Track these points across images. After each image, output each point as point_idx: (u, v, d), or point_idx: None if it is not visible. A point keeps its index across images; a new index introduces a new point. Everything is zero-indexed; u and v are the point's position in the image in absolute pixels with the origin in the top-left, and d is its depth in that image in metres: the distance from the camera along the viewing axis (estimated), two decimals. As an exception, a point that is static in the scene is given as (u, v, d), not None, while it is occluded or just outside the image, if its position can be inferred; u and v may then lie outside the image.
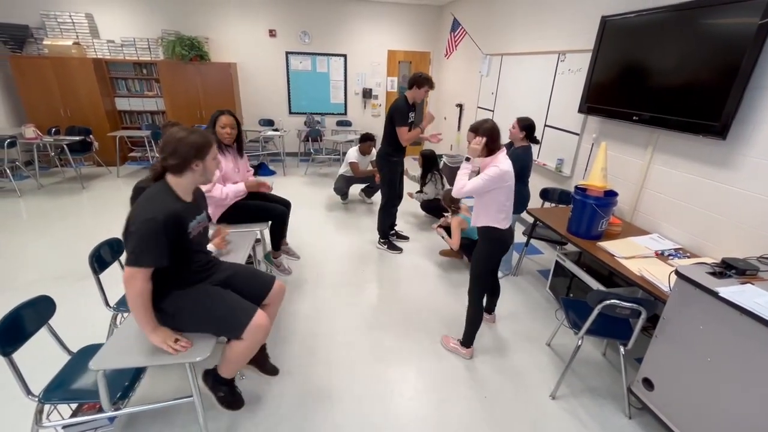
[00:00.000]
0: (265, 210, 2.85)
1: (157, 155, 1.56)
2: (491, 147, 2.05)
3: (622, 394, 2.09)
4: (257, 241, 2.92)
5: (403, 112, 3.17)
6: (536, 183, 4.08)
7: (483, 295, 2.29)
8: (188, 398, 1.60)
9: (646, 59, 2.64)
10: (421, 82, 3.12)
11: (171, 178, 1.54)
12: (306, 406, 1.99)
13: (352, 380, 2.18)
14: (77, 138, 5.28)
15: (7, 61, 5.36)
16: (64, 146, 5.10)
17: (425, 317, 2.77)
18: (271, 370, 2.07)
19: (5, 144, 4.63)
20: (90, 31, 5.73)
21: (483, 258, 2.23)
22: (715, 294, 1.52)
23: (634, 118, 2.70)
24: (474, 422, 1.95)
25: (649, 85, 2.62)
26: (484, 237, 2.20)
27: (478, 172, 2.12)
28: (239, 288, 1.74)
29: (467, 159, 2.17)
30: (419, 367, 2.30)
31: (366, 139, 4.79)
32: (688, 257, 2.29)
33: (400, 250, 3.74)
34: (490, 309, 2.72)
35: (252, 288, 1.80)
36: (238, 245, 2.36)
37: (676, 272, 1.70)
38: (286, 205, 3.06)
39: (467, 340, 2.35)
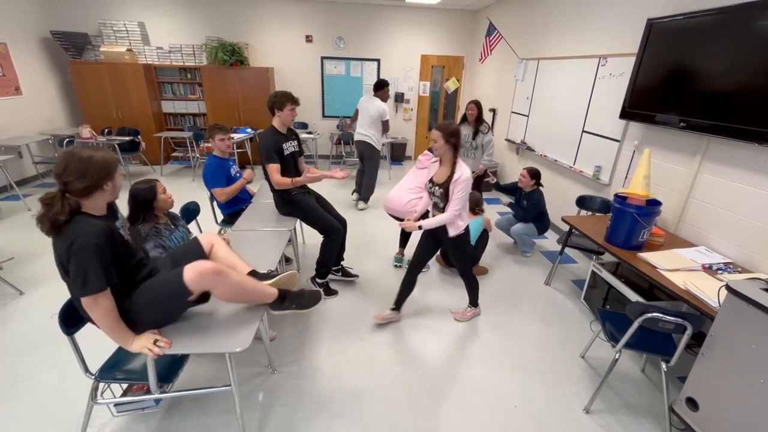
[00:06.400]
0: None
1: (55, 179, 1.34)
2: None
3: (662, 412, 1.99)
4: (289, 241, 3.01)
5: (270, 147, 2.57)
6: (572, 190, 3.97)
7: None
8: (226, 387, 1.67)
9: (696, 63, 2.52)
10: (281, 102, 2.58)
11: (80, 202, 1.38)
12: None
13: (377, 377, 2.20)
14: (127, 138, 5.66)
15: (67, 66, 5.83)
16: (116, 146, 5.45)
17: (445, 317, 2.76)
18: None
19: (64, 143, 5.03)
20: (142, 38, 6.12)
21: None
22: (770, 311, 1.43)
23: (682, 124, 2.58)
24: (503, 431, 1.92)
25: (699, 90, 2.50)
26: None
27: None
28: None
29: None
30: (450, 373, 2.29)
31: (380, 87, 4.50)
32: (740, 272, 2.16)
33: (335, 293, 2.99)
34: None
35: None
36: (271, 244, 2.41)
37: (728, 287, 1.61)
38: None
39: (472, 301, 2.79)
